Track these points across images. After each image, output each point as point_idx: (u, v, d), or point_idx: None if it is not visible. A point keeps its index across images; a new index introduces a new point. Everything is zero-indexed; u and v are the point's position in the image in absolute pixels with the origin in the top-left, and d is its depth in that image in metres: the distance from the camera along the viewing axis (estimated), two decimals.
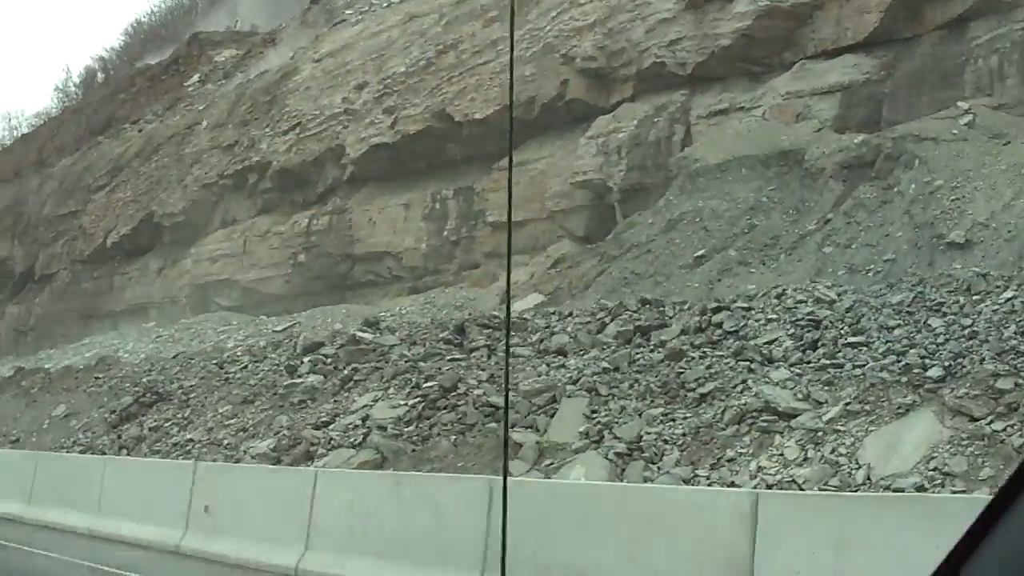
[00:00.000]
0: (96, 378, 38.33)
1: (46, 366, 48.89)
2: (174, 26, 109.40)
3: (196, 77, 77.91)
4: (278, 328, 48.21)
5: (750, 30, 39.27)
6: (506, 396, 18.19)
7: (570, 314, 26.52)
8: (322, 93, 57.63)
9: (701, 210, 34.94)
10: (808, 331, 19.85)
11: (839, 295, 21.77)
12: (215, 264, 59.71)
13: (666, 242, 34.83)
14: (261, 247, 57.88)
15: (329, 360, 27.98)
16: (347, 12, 65.49)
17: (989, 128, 31.69)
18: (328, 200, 55.74)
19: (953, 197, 28.57)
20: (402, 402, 22.87)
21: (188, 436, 27.46)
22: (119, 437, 30.02)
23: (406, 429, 21.65)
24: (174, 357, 39.16)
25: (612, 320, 24.12)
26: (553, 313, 27.55)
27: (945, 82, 34.41)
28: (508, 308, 7.01)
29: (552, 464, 18.31)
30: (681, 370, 19.67)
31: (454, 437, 20.49)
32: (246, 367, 31.75)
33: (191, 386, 32.09)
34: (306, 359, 28.74)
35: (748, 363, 19.14)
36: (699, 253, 33.15)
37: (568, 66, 44.72)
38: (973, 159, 30.09)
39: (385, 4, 62.59)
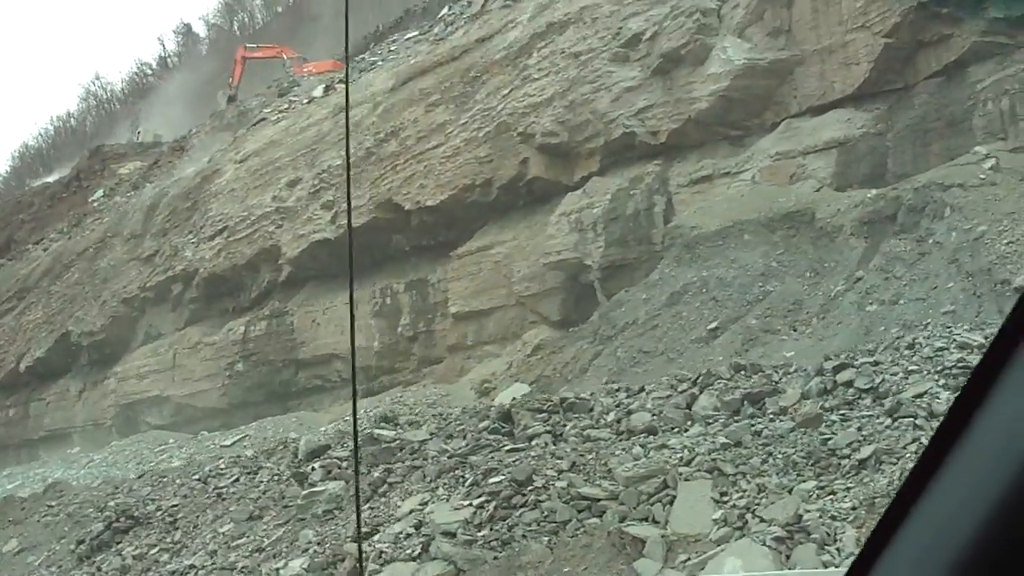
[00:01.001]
0: (49, 506, 34.39)
1: None
2: (65, 146, 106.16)
3: (100, 192, 74.46)
4: (225, 443, 44.83)
5: (727, 91, 37.24)
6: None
7: (641, 389, 23.69)
8: (249, 193, 54.53)
9: (706, 280, 32.65)
10: (964, 378, 17.35)
11: (986, 338, 19.39)
12: (143, 381, 55.98)
13: (672, 316, 32.40)
14: (192, 359, 54.43)
15: (345, 463, 24.75)
16: (265, 111, 62.58)
17: (1015, 171, 29.94)
18: (265, 304, 52.52)
19: (1006, 240, 26.51)
20: (463, 502, 19.80)
21: (187, 562, 24.01)
22: (98, 569, 26.39)
23: (479, 533, 18.59)
24: (140, 477, 35.43)
25: (702, 391, 21.36)
26: (619, 390, 24.66)
27: (952, 129, 32.70)
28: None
29: (689, 560, 15.40)
30: (826, 436, 16.98)
31: (547, 538, 17.48)
32: (238, 480, 28.36)
33: (173, 506, 28.57)
34: (316, 465, 25.41)
35: (911, 419, 16.50)
36: (713, 325, 30.82)
37: (527, 144, 42.26)
38: (1012, 202, 28.24)
39: (306, 100, 59.94)
